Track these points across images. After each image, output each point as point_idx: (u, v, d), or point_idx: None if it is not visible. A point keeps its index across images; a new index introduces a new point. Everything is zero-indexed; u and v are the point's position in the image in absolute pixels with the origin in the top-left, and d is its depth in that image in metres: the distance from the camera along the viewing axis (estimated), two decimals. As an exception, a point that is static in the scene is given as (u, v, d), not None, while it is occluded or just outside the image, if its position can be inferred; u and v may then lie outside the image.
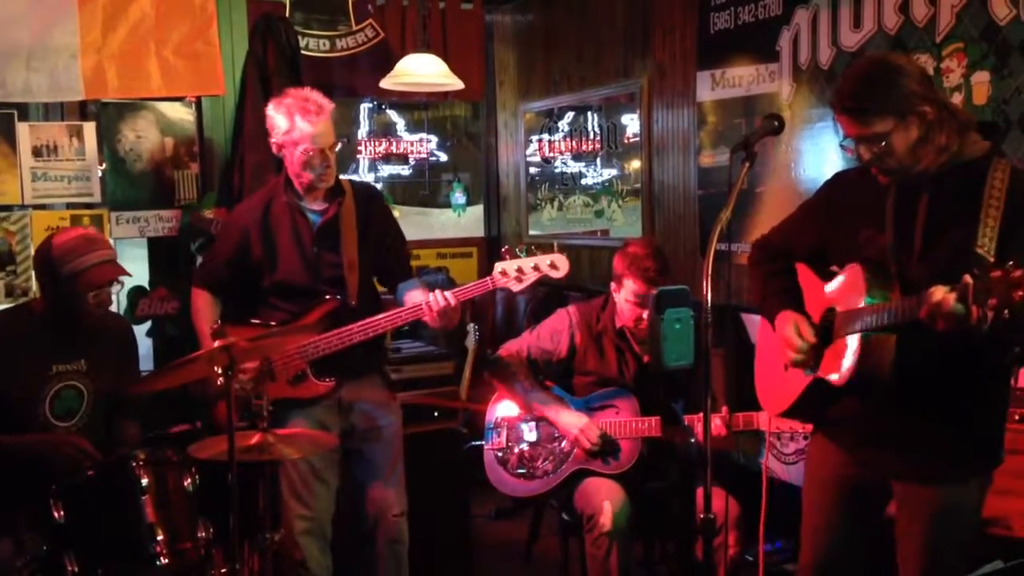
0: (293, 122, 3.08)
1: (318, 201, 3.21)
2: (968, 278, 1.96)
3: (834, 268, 2.49)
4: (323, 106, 3.10)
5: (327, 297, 3.15)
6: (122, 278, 3.21)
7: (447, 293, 3.02)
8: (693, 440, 3.22)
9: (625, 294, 3.36)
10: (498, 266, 3.02)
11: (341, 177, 3.31)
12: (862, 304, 2.26)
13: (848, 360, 2.27)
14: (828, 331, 2.38)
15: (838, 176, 2.57)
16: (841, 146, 2.35)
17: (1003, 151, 2.33)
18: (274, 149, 3.18)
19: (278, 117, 3.12)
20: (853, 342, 2.27)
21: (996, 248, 2.12)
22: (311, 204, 3.21)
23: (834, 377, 2.33)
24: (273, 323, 3.17)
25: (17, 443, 3.02)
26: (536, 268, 3.00)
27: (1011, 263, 1.88)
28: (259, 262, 3.20)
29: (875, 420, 2.38)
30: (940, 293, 2.00)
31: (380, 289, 3.42)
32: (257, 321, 3.20)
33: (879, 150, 2.22)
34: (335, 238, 3.20)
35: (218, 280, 3.31)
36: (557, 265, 3.02)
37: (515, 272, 2.99)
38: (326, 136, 3.09)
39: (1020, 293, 1.85)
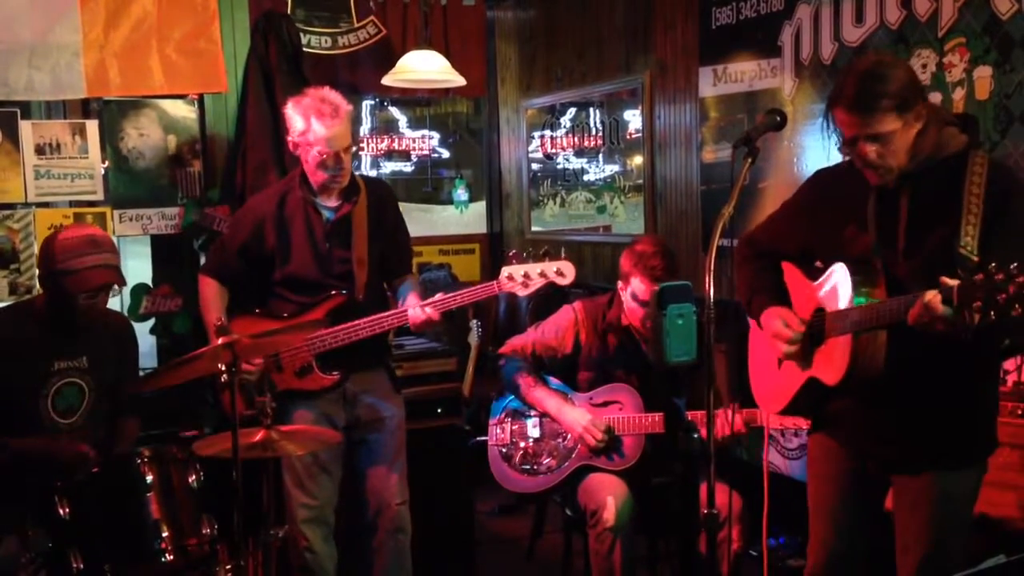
0: (309, 124, 3.08)
1: (332, 198, 3.23)
2: (950, 281, 1.98)
3: (819, 264, 2.49)
4: (339, 108, 3.10)
5: (334, 292, 3.16)
6: (123, 279, 3.21)
7: (428, 308, 3.06)
8: (696, 435, 3.23)
9: (632, 292, 3.36)
10: (504, 270, 3.04)
11: (355, 174, 3.32)
12: (850, 304, 2.27)
13: (841, 361, 2.28)
14: (819, 332, 2.39)
15: (819, 174, 2.58)
16: (839, 150, 2.34)
17: (980, 143, 2.35)
18: (290, 147, 3.21)
19: (295, 118, 3.12)
20: (844, 342, 2.28)
21: (978, 245, 2.13)
22: (325, 201, 3.23)
23: (828, 379, 2.34)
24: (286, 314, 3.20)
25: (19, 448, 3.03)
26: (543, 274, 3.03)
27: (993, 265, 1.90)
28: (271, 253, 3.22)
29: (871, 416, 2.39)
30: (929, 297, 2.02)
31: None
32: (259, 311, 3.23)
33: (885, 150, 2.22)
34: (347, 235, 3.22)
35: (228, 269, 3.33)
36: (564, 272, 3.03)
37: (521, 277, 3.02)
38: (341, 139, 3.10)
39: (1003, 296, 1.87)
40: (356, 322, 3.12)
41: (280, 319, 3.20)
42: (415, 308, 3.08)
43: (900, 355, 2.23)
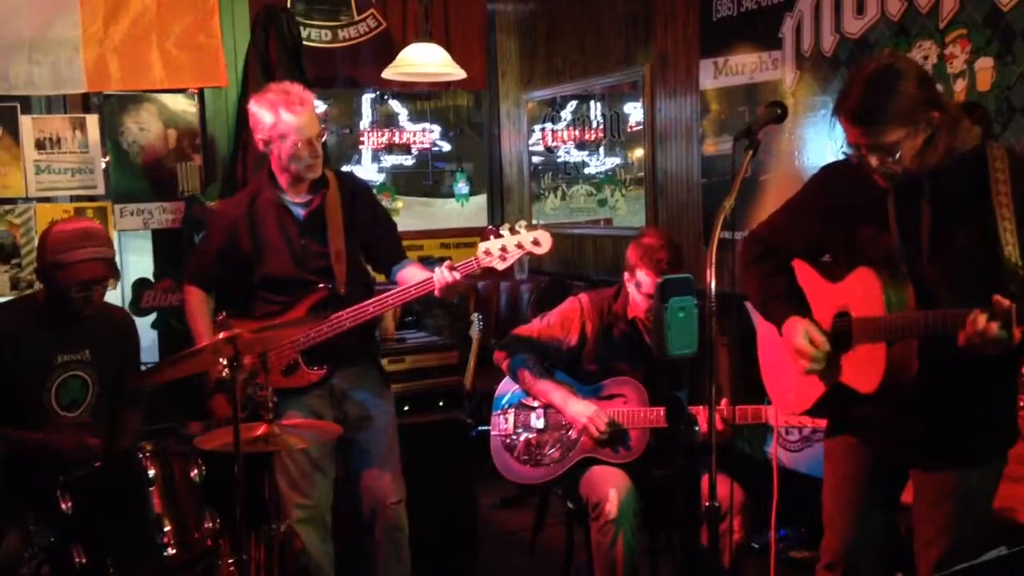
0: (278, 115, 3.07)
1: (302, 194, 3.21)
2: (1005, 301, 1.93)
3: (829, 260, 2.47)
4: (305, 98, 3.10)
5: (321, 285, 3.16)
6: (117, 272, 3.22)
7: (452, 271, 3.04)
8: (696, 429, 3.23)
9: (637, 285, 3.35)
10: (482, 246, 3.05)
11: (324, 168, 3.32)
12: (881, 310, 2.22)
13: (876, 370, 2.24)
14: (844, 336, 2.34)
15: (829, 170, 2.52)
16: (844, 153, 2.31)
17: (993, 133, 2.31)
18: (259, 146, 3.17)
19: (262, 112, 3.10)
20: (878, 351, 2.23)
21: (1020, 251, 2.09)
22: (294, 197, 3.21)
23: (863, 387, 2.30)
24: (260, 314, 3.18)
25: (23, 439, 3.03)
26: (519, 246, 3.03)
27: None
28: (247, 256, 3.20)
29: (898, 418, 2.36)
30: (982, 322, 1.97)
31: (379, 278, 3.44)
32: (244, 314, 3.22)
33: (889, 157, 2.18)
34: (321, 229, 3.20)
35: (208, 275, 3.31)
36: (540, 241, 3.04)
37: (499, 251, 3.03)
38: (311, 127, 3.09)
39: None
40: (340, 313, 3.10)
41: (264, 320, 3.16)
42: (441, 271, 3.04)
43: (931, 362, 2.20)
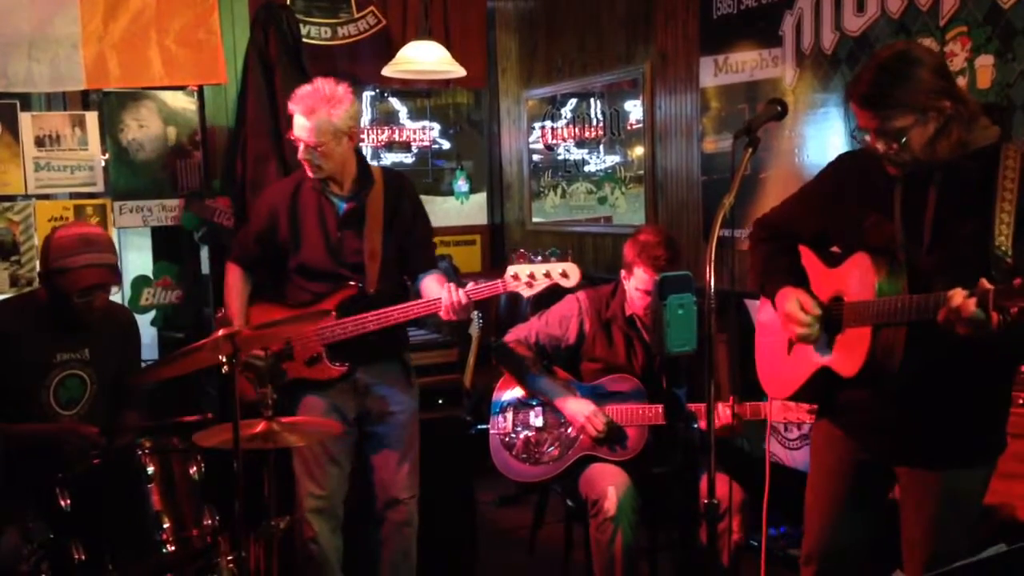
0: (292, 114, 3.14)
1: (344, 188, 3.24)
2: (987, 283, 1.94)
3: (836, 250, 2.47)
4: (315, 108, 3.07)
5: (351, 283, 3.18)
6: (119, 278, 3.21)
7: (462, 292, 3.05)
8: (696, 426, 3.23)
9: (635, 282, 3.35)
10: (510, 269, 3.05)
11: (374, 165, 3.35)
12: (872, 295, 2.24)
13: (859, 354, 2.25)
14: (836, 320, 2.36)
15: (843, 158, 2.53)
16: (852, 136, 2.31)
17: (1011, 135, 2.30)
18: None
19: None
20: (864, 335, 2.25)
21: (1013, 243, 2.09)
22: (337, 191, 3.23)
23: (844, 371, 2.32)
24: (300, 302, 3.23)
25: (22, 432, 3.03)
26: (547, 275, 3.03)
27: None
28: (285, 242, 3.25)
29: (882, 409, 2.37)
30: (960, 298, 1.98)
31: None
32: (276, 298, 3.27)
33: (898, 145, 2.18)
34: (359, 226, 3.22)
35: (249, 256, 3.36)
36: (568, 274, 3.03)
37: (527, 277, 3.02)
38: (306, 133, 3.08)
39: None
40: (366, 314, 3.12)
41: (294, 307, 3.22)
42: (452, 292, 3.04)
43: (917, 353, 2.20)
